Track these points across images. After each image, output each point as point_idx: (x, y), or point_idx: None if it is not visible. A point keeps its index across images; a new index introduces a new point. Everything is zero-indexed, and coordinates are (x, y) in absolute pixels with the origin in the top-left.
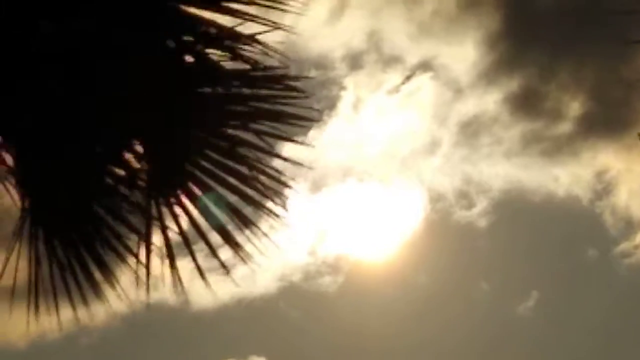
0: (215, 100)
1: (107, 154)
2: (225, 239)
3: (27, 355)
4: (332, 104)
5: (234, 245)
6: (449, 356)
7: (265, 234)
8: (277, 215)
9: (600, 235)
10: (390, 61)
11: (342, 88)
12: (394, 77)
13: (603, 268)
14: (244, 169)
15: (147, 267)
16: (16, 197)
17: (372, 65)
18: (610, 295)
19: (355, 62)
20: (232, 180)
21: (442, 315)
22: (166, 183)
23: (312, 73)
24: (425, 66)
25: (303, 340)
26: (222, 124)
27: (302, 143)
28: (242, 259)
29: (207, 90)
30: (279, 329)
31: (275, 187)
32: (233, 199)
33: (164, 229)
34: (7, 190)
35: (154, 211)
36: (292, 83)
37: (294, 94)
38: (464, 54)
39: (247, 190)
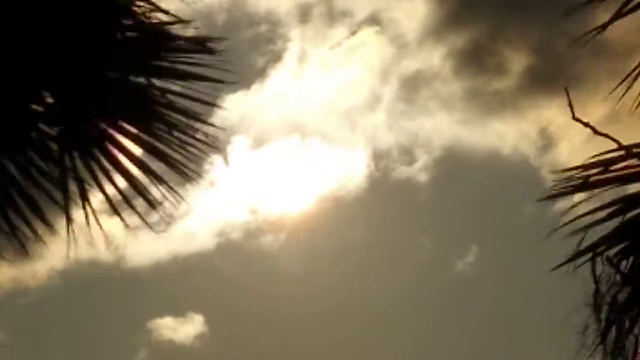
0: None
1: (18, 104)
2: (139, 193)
3: None
4: (277, 58)
5: (150, 202)
6: (392, 311)
7: (176, 192)
8: (194, 173)
9: (540, 192)
10: (339, 15)
11: (288, 41)
12: (341, 31)
13: (540, 225)
14: (162, 128)
15: (68, 222)
16: None
17: (320, 18)
18: (545, 252)
19: (304, 15)
20: (147, 137)
21: (384, 271)
22: (79, 137)
23: (262, 27)
24: (373, 21)
25: (240, 298)
26: (128, 77)
27: (201, 120)
28: (162, 216)
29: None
30: (217, 286)
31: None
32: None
33: (81, 183)
34: None
35: (69, 164)
36: (211, 44)
37: (207, 55)
38: (413, 9)
39: (161, 147)
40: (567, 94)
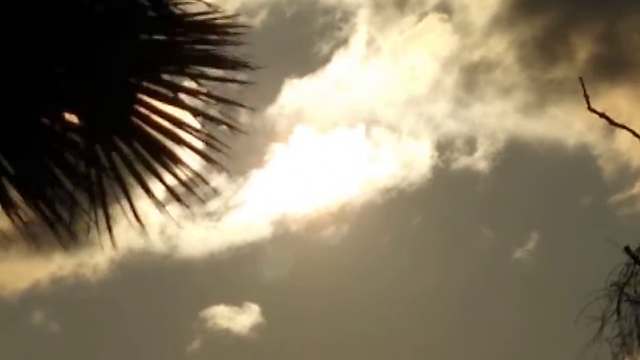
0: (150, 45)
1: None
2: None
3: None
4: (343, 45)
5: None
6: (454, 299)
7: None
8: (220, 166)
9: (598, 181)
10: (411, 2)
11: (355, 29)
12: (411, 18)
13: (599, 214)
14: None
15: (106, 214)
16: None
17: (390, 5)
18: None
19: (375, 2)
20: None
21: (447, 260)
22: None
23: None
24: (441, 8)
25: (299, 290)
26: (158, 68)
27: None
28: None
29: (144, 36)
30: (274, 277)
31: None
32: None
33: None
34: None
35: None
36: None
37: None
38: None
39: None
40: (582, 84)
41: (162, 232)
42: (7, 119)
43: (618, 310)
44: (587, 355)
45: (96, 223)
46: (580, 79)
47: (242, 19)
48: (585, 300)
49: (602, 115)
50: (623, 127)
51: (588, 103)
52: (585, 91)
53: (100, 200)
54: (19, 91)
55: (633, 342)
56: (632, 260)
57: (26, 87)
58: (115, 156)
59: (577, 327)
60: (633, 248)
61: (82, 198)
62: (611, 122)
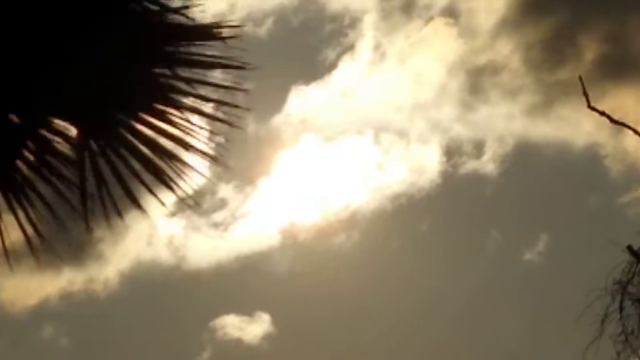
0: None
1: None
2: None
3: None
4: (350, 51)
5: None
6: (465, 302)
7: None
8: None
9: (606, 182)
10: (417, 7)
11: (362, 34)
12: (417, 23)
13: (608, 214)
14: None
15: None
16: None
17: (397, 9)
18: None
19: (382, 6)
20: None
21: (457, 264)
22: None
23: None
24: (448, 11)
25: (310, 298)
26: (149, 69)
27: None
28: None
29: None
30: (284, 286)
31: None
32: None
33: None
34: None
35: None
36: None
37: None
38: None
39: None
40: (582, 83)
41: (169, 243)
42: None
43: (621, 309)
44: (589, 353)
45: (102, 236)
46: (580, 78)
47: (248, 28)
48: (592, 300)
49: (602, 113)
50: (624, 124)
51: (588, 101)
52: (584, 89)
53: (105, 213)
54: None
55: (636, 341)
56: (635, 259)
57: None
58: (119, 165)
59: (584, 325)
60: None
61: (90, 212)
62: (612, 120)
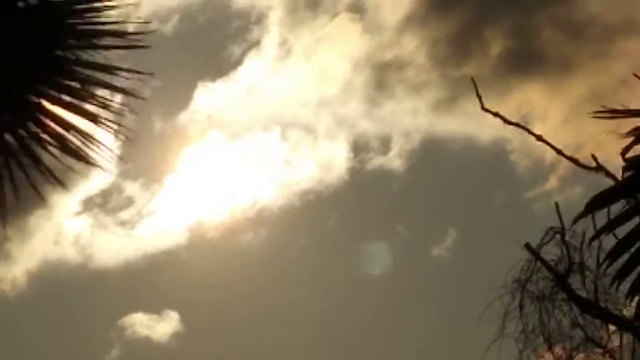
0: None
1: None
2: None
3: None
4: (255, 48)
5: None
6: (375, 298)
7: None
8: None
9: (512, 177)
10: (323, 2)
11: (267, 30)
12: (323, 18)
13: (514, 210)
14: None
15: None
16: None
17: (303, 5)
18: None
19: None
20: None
21: (364, 260)
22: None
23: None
24: (354, 7)
25: (218, 296)
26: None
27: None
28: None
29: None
30: (192, 284)
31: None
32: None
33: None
34: None
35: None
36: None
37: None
38: None
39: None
40: (475, 85)
41: (76, 242)
42: None
43: (521, 307)
44: (491, 351)
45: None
46: (472, 80)
47: (153, 26)
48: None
49: (496, 114)
50: (517, 125)
51: (481, 103)
52: (477, 91)
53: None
54: None
55: (536, 339)
56: (533, 257)
57: None
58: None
59: (488, 324)
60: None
61: None
62: (506, 120)
